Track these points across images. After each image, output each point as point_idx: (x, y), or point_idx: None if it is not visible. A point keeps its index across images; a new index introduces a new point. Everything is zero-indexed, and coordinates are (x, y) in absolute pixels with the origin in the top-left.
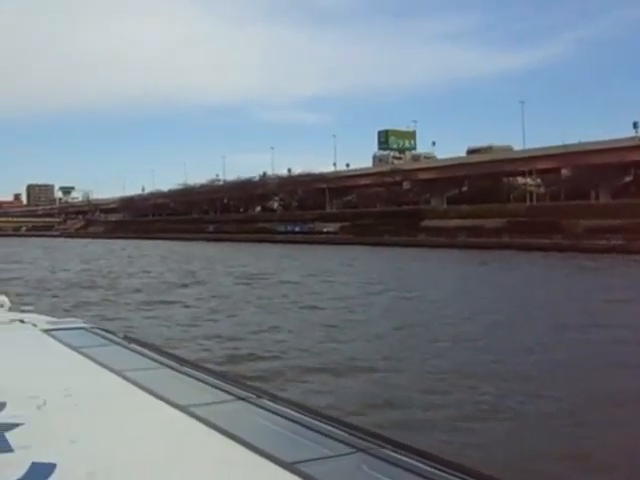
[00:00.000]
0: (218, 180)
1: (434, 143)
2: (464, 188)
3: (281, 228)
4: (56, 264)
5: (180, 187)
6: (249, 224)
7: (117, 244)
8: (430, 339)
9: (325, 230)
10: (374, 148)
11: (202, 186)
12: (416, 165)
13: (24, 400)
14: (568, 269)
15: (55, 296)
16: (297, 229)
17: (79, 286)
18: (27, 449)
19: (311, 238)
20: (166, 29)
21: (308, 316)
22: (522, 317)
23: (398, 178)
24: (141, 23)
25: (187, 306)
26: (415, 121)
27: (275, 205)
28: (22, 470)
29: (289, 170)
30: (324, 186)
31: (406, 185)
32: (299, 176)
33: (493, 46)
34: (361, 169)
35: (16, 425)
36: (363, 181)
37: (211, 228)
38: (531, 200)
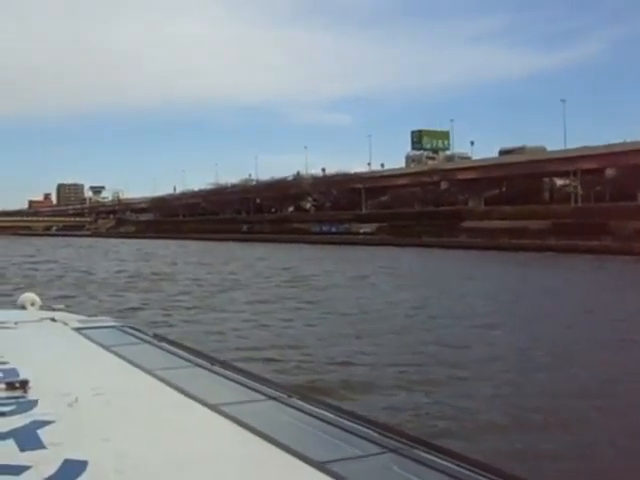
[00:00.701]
0: (251, 180)
1: (472, 143)
2: (503, 189)
3: (316, 229)
4: (93, 265)
5: (212, 187)
6: (283, 224)
7: (150, 244)
8: (515, 349)
9: (362, 231)
10: (406, 148)
11: (234, 186)
12: (455, 165)
13: (56, 398)
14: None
15: (94, 298)
16: (333, 230)
17: (119, 288)
18: (59, 446)
19: (348, 239)
20: (198, 30)
21: (372, 323)
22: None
23: (436, 178)
24: (174, 24)
25: (240, 311)
26: (452, 120)
27: (308, 205)
28: (55, 467)
29: (323, 170)
30: (360, 186)
31: (444, 185)
32: (335, 176)
33: (524, 47)
34: (398, 169)
35: (48, 422)
36: (400, 181)
37: (244, 228)
38: (575, 201)
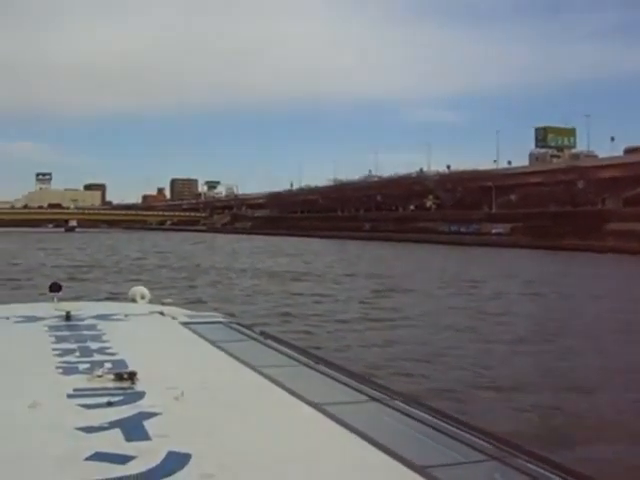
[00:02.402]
0: (372, 176)
1: (613, 139)
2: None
3: (445, 228)
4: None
5: (331, 183)
6: (408, 223)
7: (273, 241)
8: None
9: (494, 231)
10: (529, 146)
11: (354, 183)
12: (597, 162)
13: (162, 391)
14: None
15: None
16: (462, 229)
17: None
18: (164, 438)
19: (480, 240)
20: (314, 29)
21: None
22: None
23: (573, 176)
24: (293, 23)
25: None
26: (588, 115)
27: (428, 204)
28: (159, 458)
29: (448, 167)
30: (489, 184)
31: (581, 184)
32: (463, 173)
33: None
34: (525, 167)
35: (154, 414)
36: (534, 179)
37: (367, 226)
38: None
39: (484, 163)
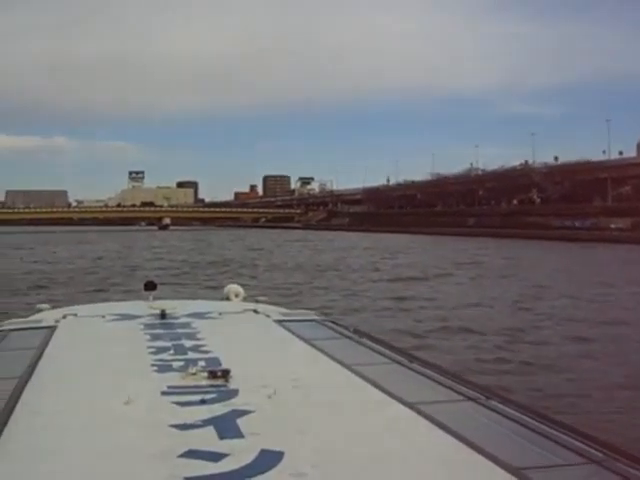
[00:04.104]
0: (475, 169)
1: None
2: None
3: (557, 223)
4: None
5: (429, 177)
6: (515, 217)
7: (375, 238)
8: None
9: (613, 226)
10: (635, 136)
11: (455, 176)
12: None
13: (256, 388)
14: None
15: None
16: (577, 224)
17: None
18: (257, 436)
19: (598, 235)
20: (403, 22)
21: None
22: None
23: None
24: (382, 17)
25: None
26: None
27: (534, 197)
28: (251, 456)
29: (556, 158)
30: (604, 176)
31: None
32: (574, 164)
33: None
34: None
35: (247, 412)
36: None
37: (471, 222)
38: None
39: (589, 154)
